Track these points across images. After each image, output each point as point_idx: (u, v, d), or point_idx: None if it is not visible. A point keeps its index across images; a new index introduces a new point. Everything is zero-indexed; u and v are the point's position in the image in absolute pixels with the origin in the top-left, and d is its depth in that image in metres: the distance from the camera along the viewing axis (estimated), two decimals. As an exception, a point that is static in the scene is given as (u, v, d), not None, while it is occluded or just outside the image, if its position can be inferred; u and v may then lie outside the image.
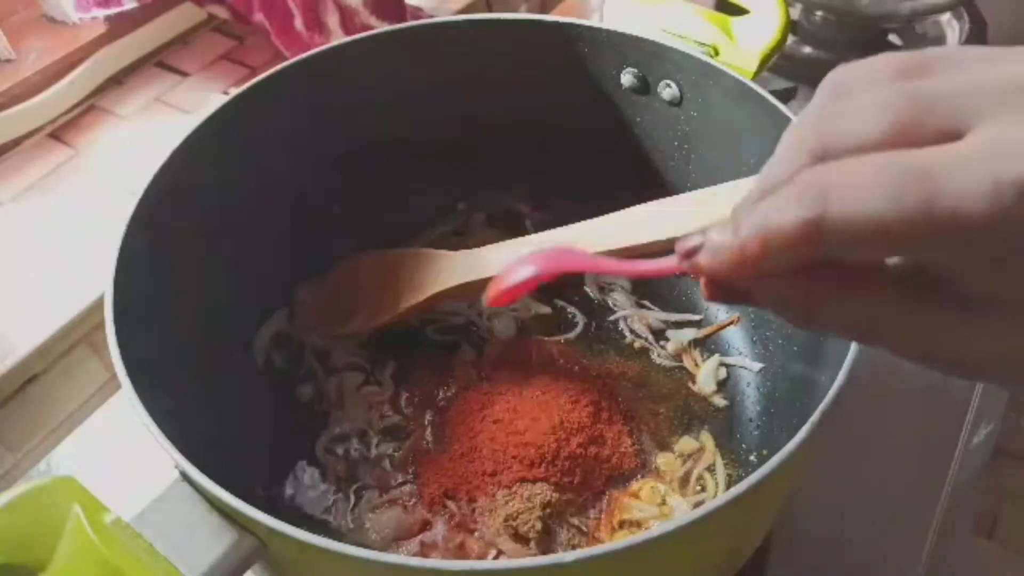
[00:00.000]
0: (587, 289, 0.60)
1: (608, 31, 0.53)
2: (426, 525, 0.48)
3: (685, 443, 0.52)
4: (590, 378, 0.54)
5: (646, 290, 0.60)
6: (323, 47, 0.52)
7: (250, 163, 0.51)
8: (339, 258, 0.57)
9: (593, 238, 0.45)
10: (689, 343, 0.57)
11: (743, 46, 0.53)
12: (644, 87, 0.54)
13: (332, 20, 0.80)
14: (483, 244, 0.52)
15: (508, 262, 0.31)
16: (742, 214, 0.22)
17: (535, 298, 0.59)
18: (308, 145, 0.54)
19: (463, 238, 0.62)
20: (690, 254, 0.24)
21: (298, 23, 0.79)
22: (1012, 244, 0.19)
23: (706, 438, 0.52)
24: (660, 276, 0.37)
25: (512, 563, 0.31)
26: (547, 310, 0.59)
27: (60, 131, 0.77)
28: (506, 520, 0.46)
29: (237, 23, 0.85)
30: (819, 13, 0.80)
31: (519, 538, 0.46)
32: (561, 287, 0.60)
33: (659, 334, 0.58)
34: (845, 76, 0.23)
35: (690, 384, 0.55)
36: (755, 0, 0.54)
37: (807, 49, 0.81)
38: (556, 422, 0.50)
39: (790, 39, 0.76)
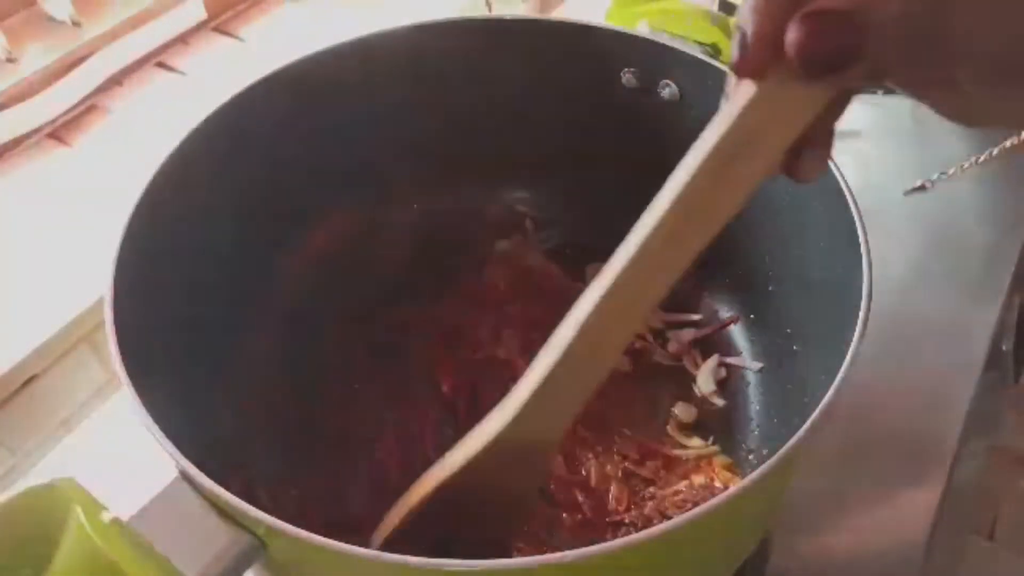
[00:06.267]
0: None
1: (608, 31, 0.53)
2: None
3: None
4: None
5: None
6: (322, 47, 0.52)
7: (250, 163, 0.51)
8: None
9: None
10: (689, 343, 0.57)
11: (743, 46, 0.53)
12: (644, 87, 0.54)
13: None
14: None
15: None
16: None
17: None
18: (308, 145, 0.54)
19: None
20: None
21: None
22: None
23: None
24: None
25: (512, 562, 0.31)
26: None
27: (59, 131, 0.77)
28: None
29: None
30: (819, 13, 0.80)
31: None
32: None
33: (659, 334, 0.58)
34: None
35: (690, 384, 0.55)
36: (755, 0, 0.54)
37: (807, 49, 0.81)
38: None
39: (790, 39, 0.76)
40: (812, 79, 0.25)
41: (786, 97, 0.26)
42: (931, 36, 0.23)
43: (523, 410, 0.33)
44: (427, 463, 0.38)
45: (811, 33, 0.24)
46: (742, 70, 0.27)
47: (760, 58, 0.26)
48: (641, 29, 0.67)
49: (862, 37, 0.23)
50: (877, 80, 0.25)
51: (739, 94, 0.27)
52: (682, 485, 0.49)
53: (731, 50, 0.26)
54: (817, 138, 0.28)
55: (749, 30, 0.25)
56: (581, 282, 0.60)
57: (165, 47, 0.85)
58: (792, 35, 0.24)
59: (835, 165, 0.43)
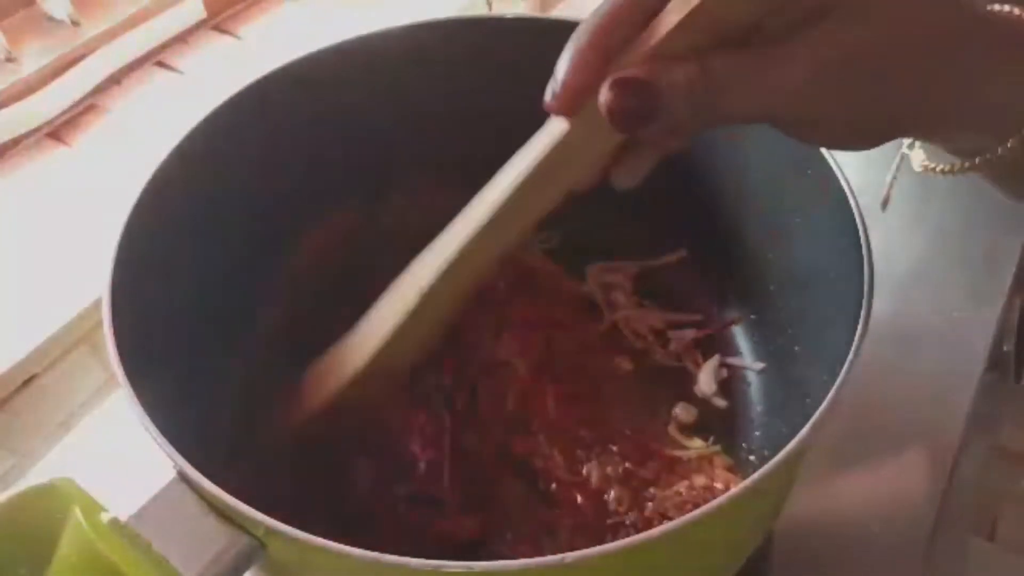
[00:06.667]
0: (589, 289, 0.60)
1: (608, 30, 0.53)
2: None
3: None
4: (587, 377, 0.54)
5: (647, 290, 0.60)
6: (322, 46, 0.52)
7: (249, 163, 0.51)
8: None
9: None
10: (690, 343, 0.57)
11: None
12: (644, 86, 0.54)
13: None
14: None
15: None
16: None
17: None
18: (307, 145, 0.54)
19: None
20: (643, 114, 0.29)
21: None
22: None
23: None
24: None
25: (512, 564, 0.31)
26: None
27: (58, 130, 0.77)
28: None
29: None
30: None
31: None
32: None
33: (660, 334, 0.57)
34: None
35: (691, 385, 0.55)
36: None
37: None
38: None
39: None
40: (621, 131, 0.30)
41: (591, 133, 0.32)
42: (708, 101, 0.29)
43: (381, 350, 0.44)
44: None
45: (618, 95, 0.29)
46: (554, 110, 0.32)
47: (570, 104, 0.32)
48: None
49: (657, 101, 0.29)
50: (682, 134, 0.31)
51: (553, 125, 0.33)
52: (683, 486, 0.48)
53: (546, 90, 0.32)
54: (626, 160, 0.33)
55: (560, 79, 0.31)
56: (581, 282, 0.60)
57: (164, 46, 0.85)
58: (603, 96, 0.29)
59: (836, 165, 0.43)
